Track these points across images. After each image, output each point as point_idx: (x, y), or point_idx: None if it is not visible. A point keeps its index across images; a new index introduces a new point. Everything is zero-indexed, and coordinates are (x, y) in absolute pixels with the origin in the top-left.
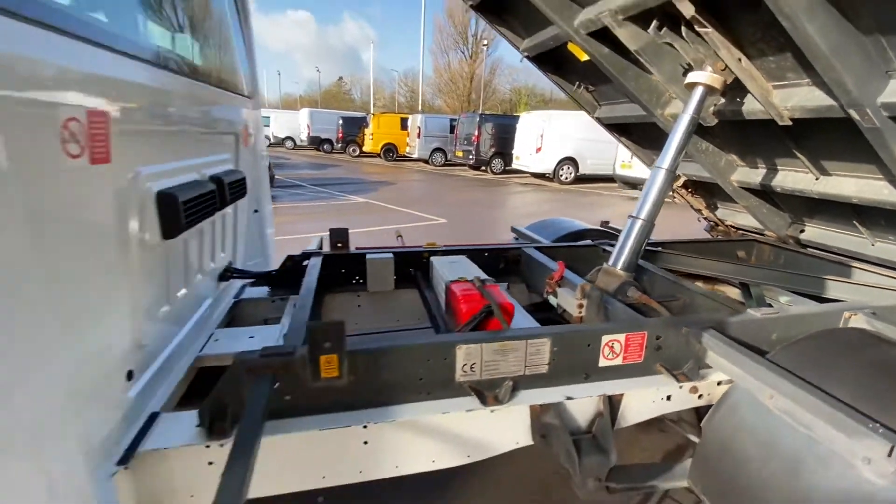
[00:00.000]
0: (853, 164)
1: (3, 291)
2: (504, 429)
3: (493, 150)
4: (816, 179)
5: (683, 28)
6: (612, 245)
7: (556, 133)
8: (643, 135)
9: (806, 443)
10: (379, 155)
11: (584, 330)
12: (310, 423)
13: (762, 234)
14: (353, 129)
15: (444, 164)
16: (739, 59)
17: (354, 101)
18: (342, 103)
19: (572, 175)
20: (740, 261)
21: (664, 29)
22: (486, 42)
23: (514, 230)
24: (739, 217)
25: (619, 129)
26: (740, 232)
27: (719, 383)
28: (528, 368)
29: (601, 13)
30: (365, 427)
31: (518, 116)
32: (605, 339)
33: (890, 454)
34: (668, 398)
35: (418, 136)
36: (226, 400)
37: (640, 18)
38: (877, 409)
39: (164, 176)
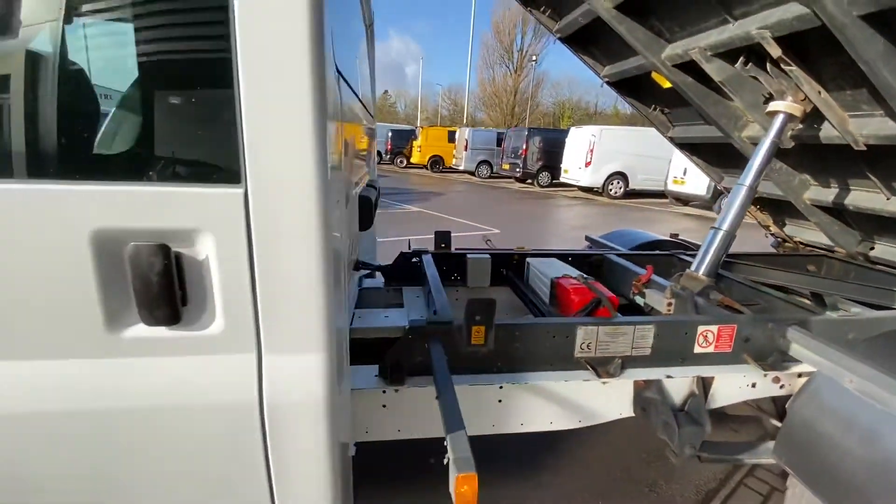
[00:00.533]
0: None
1: (339, 250)
2: (611, 400)
3: (540, 163)
4: (888, 199)
5: (768, 64)
6: (686, 255)
7: (606, 148)
8: (713, 154)
9: (882, 416)
10: (426, 166)
11: (683, 320)
12: (461, 379)
13: (831, 251)
14: (402, 141)
15: (489, 177)
16: (819, 92)
17: (399, 113)
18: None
19: (622, 190)
20: (811, 274)
21: (750, 64)
22: (534, 57)
23: (588, 239)
24: (808, 233)
25: (690, 147)
26: (808, 248)
27: (800, 375)
28: (634, 350)
29: (690, 49)
30: (501, 388)
31: (566, 130)
32: (700, 329)
33: None
34: (753, 385)
35: (465, 148)
36: (400, 358)
37: (727, 54)
38: None
39: (359, 184)
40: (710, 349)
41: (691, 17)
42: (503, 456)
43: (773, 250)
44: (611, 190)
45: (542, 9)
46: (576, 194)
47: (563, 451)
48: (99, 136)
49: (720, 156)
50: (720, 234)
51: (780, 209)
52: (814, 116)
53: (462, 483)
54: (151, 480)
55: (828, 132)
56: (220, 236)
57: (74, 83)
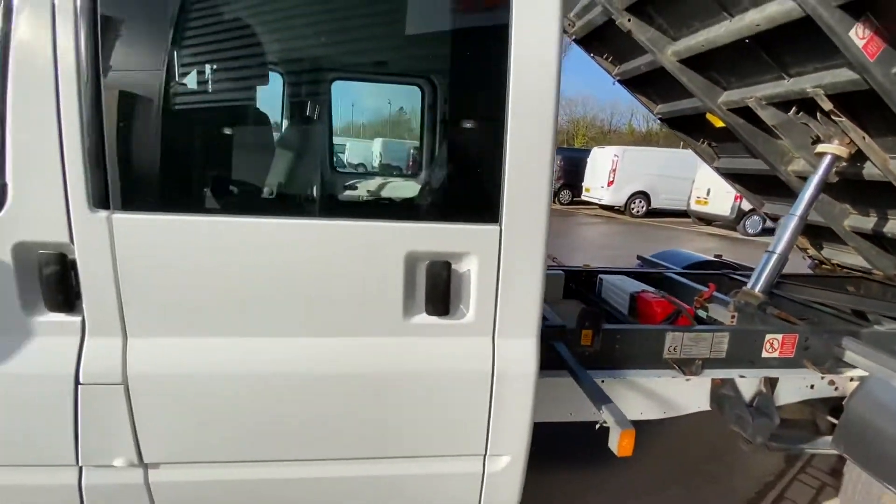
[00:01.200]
0: None
1: None
2: (692, 395)
3: (560, 181)
4: None
5: (818, 113)
6: (734, 274)
7: (628, 167)
8: (756, 183)
9: None
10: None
11: (753, 330)
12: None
13: (869, 273)
14: None
15: None
16: (864, 137)
17: None
18: None
19: (644, 209)
20: (852, 293)
21: (801, 112)
22: None
23: (640, 258)
24: (845, 257)
25: (734, 177)
26: (845, 269)
27: (851, 379)
28: (712, 353)
29: (746, 97)
30: (602, 381)
31: (586, 150)
32: (768, 337)
33: None
34: (812, 387)
35: None
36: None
37: (780, 104)
38: None
39: None
40: (776, 354)
41: (749, 71)
42: (581, 442)
43: (809, 271)
44: (633, 209)
45: (604, 55)
46: (597, 212)
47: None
48: (417, 192)
49: (763, 185)
50: (774, 257)
51: (817, 234)
52: (857, 157)
53: (623, 438)
54: (415, 420)
55: (870, 170)
56: (481, 257)
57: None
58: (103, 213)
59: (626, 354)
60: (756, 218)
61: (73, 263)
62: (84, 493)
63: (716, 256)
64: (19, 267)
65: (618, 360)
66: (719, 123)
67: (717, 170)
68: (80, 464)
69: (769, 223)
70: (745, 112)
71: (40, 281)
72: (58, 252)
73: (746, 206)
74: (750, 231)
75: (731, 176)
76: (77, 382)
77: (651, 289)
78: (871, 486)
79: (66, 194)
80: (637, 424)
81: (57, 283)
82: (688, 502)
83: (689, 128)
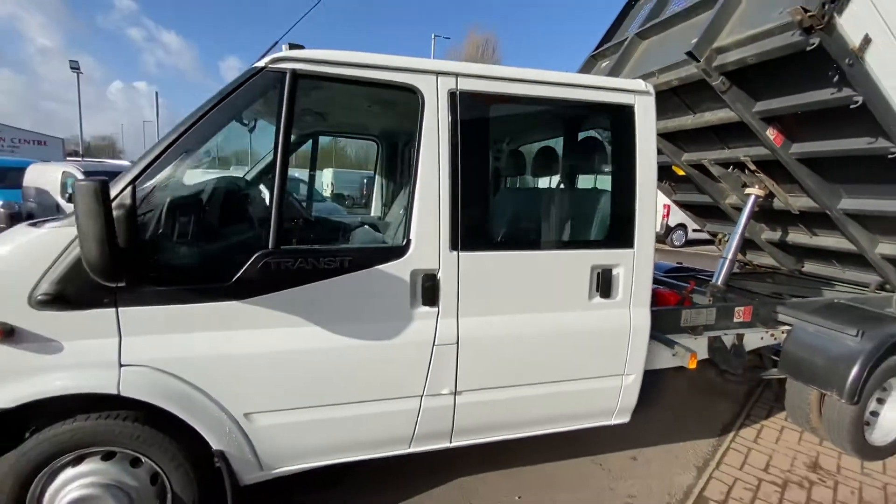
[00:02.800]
0: (829, 230)
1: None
2: (698, 349)
3: None
4: (811, 237)
5: (746, 170)
6: (699, 275)
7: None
8: (701, 211)
9: (826, 338)
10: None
11: (729, 306)
12: None
13: (779, 269)
14: None
15: None
16: (774, 184)
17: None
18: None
19: (683, 239)
20: (771, 282)
21: (735, 169)
22: None
23: None
24: (762, 259)
25: (686, 206)
26: (762, 267)
27: (783, 332)
28: (707, 321)
29: (701, 158)
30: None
31: None
32: (736, 309)
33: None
34: (762, 338)
35: None
36: None
37: (724, 163)
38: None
39: None
40: (741, 319)
41: (704, 143)
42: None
43: (737, 270)
44: (674, 239)
45: None
46: None
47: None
48: (599, 234)
49: (706, 212)
50: (727, 262)
51: (743, 244)
52: (769, 196)
53: (692, 358)
54: (590, 356)
55: (777, 204)
56: (625, 268)
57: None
58: (455, 253)
59: (662, 325)
60: (680, 233)
61: (438, 280)
62: (420, 413)
63: (678, 263)
64: (412, 282)
65: (661, 329)
66: (681, 172)
67: (675, 202)
68: (423, 394)
69: (691, 235)
70: (700, 166)
71: (422, 289)
72: (432, 274)
73: (672, 222)
74: (676, 243)
75: (684, 205)
76: (433, 344)
77: (657, 286)
78: (802, 389)
79: (439, 244)
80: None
81: (430, 290)
82: (687, 422)
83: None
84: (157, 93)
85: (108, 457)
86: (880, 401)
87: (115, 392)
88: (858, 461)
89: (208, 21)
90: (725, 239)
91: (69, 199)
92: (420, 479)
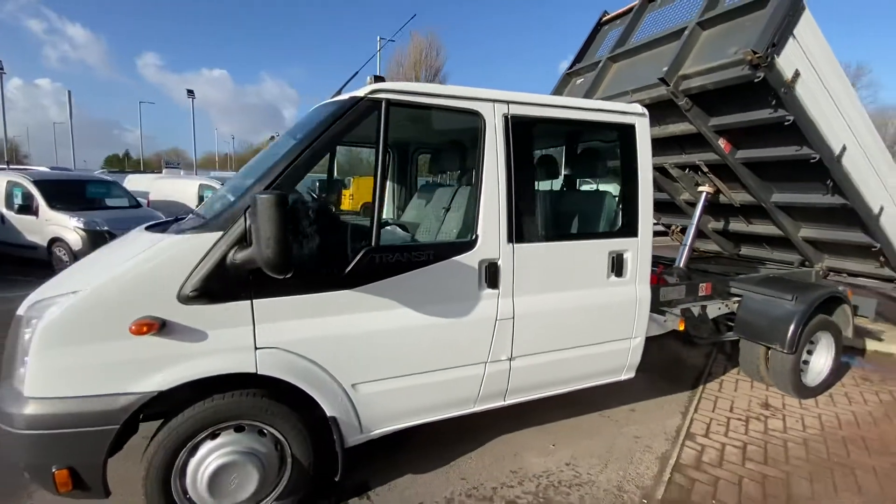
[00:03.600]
0: (763, 219)
1: None
2: (674, 319)
3: None
4: (747, 226)
5: (699, 171)
6: (662, 261)
7: None
8: (658, 205)
9: (770, 303)
10: (359, 213)
11: (694, 282)
12: None
13: (721, 253)
14: (337, 189)
15: None
16: (721, 182)
17: None
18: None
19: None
20: (718, 263)
21: (690, 171)
22: None
23: None
24: (708, 245)
25: None
26: (708, 253)
27: (734, 301)
28: (678, 297)
29: (665, 162)
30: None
31: None
32: (701, 285)
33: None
34: (720, 308)
35: None
36: None
37: (682, 166)
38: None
39: None
40: (705, 293)
41: (666, 149)
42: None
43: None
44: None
45: None
46: None
47: None
48: (616, 226)
49: (661, 207)
50: (686, 248)
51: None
52: (717, 193)
53: (680, 322)
54: (607, 324)
55: (723, 199)
56: (632, 253)
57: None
58: (511, 245)
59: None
60: None
61: (499, 267)
62: (484, 377)
63: None
64: (480, 269)
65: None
66: None
67: None
68: (487, 360)
69: None
70: (661, 168)
71: (487, 275)
72: (494, 262)
73: None
74: None
75: None
76: (496, 319)
77: None
78: (752, 346)
79: (499, 237)
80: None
81: (493, 275)
82: (664, 381)
83: None
84: (69, 92)
85: (238, 430)
86: (809, 351)
87: (253, 371)
88: (797, 400)
89: (117, 12)
90: (678, 230)
91: (19, 210)
92: (470, 438)
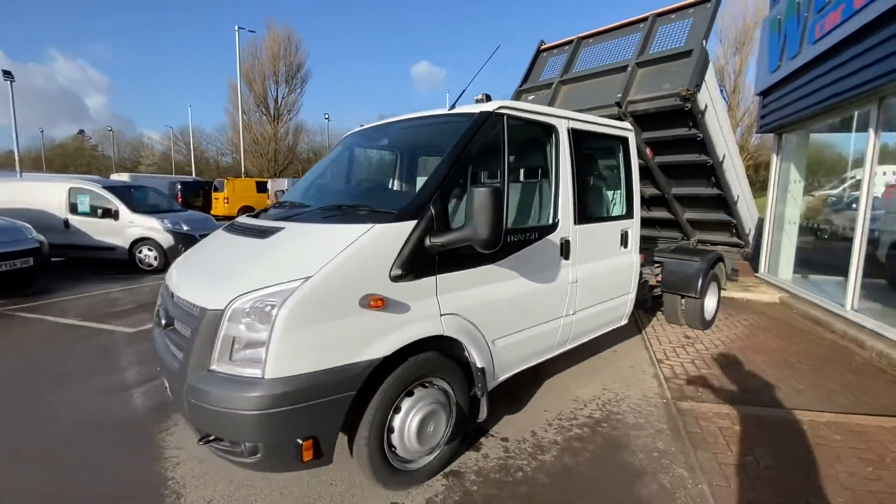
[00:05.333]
0: (659, 207)
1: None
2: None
3: None
4: (648, 212)
5: None
6: None
7: None
8: None
9: (683, 264)
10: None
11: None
12: None
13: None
14: (190, 193)
15: None
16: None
17: (108, 158)
18: (84, 162)
19: None
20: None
21: None
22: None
23: None
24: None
25: None
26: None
27: (657, 267)
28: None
29: None
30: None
31: None
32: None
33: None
34: (650, 272)
35: None
36: None
37: None
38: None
39: None
40: (642, 262)
41: None
42: None
43: None
44: None
45: None
46: None
47: None
48: (622, 211)
49: None
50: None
51: None
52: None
53: (655, 280)
54: (617, 283)
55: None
56: (632, 230)
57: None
58: (577, 226)
59: None
60: None
61: (570, 243)
62: (561, 328)
63: None
64: (560, 245)
65: None
66: None
67: None
68: (563, 315)
69: None
70: None
71: (564, 249)
72: (567, 239)
73: None
74: None
75: None
76: (569, 283)
77: None
78: (673, 297)
79: (570, 221)
80: None
81: (567, 250)
82: (619, 333)
83: None
84: None
85: (423, 386)
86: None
87: (442, 333)
88: (702, 331)
89: None
90: None
91: (91, 214)
92: (529, 386)
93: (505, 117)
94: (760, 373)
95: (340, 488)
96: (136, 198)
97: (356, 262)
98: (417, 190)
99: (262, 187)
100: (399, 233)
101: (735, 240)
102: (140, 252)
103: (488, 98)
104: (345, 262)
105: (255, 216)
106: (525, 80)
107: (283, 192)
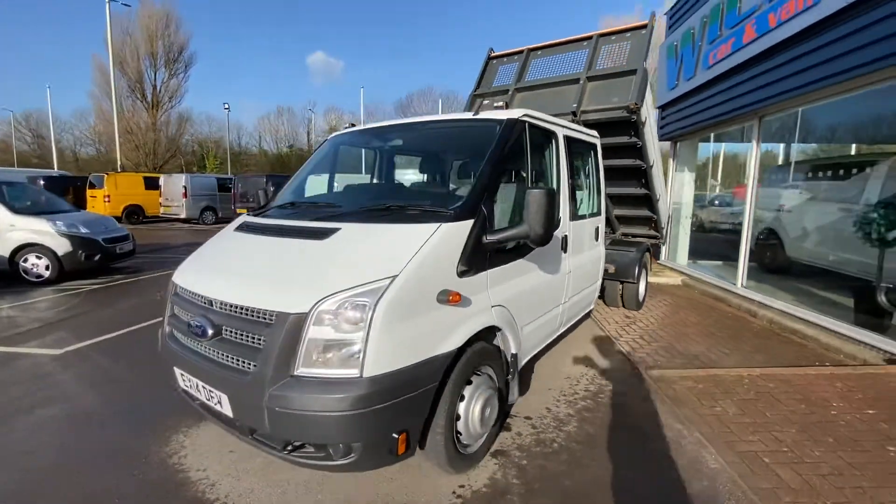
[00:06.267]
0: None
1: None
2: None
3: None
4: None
5: None
6: None
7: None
8: None
9: (622, 253)
10: (120, 218)
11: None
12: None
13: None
14: (57, 190)
15: (215, 223)
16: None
17: None
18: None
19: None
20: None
21: None
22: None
23: None
24: None
25: None
26: None
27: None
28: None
29: None
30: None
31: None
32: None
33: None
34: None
35: (184, 195)
36: None
37: None
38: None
39: None
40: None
41: None
42: None
43: None
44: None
45: None
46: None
47: None
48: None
49: None
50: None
51: None
52: None
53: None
54: (596, 270)
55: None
56: (600, 226)
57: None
58: (571, 222)
59: None
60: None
61: (567, 238)
62: (560, 314)
63: None
64: (562, 240)
65: None
66: None
67: None
68: (562, 302)
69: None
70: None
71: (563, 244)
72: (565, 235)
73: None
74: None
75: None
76: (566, 273)
77: None
78: (614, 284)
79: (567, 217)
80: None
81: (565, 244)
82: None
83: None
84: None
85: (475, 374)
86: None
87: (493, 324)
88: (637, 311)
89: None
90: None
91: None
92: (527, 367)
93: (526, 124)
94: (695, 342)
95: (402, 481)
96: (11, 195)
97: (433, 259)
98: (469, 190)
99: (152, 183)
100: (462, 231)
101: (653, 232)
102: (25, 261)
103: (506, 105)
104: (424, 259)
105: (260, 215)
106: (478, 85)
107: (264, 191)
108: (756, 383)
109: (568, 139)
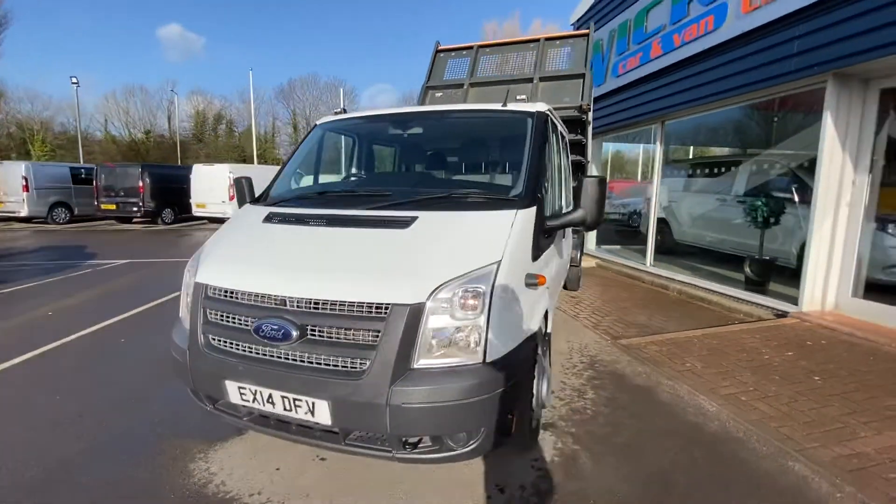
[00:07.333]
0: None
1: None
2: None
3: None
4: None
5: None
6: None
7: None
8: None
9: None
10: None
11: None
12: None
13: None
14: None
15: (71, 221)
16: None
17: None
18: None
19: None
20: None
21: None
22: None
23: None
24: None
25: None
26: None
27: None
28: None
29: None
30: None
31: (183, 167)
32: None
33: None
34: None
35: (25, 188)
36: None
37: None
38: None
39: None
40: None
41: None
42: None
43: None
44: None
45: None
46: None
47: None
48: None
49: None
50: None
51: None
52: None
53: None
54: (567, 259)
55: None
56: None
57: None
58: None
59: None
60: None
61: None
62: (557, 293)
63: None
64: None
65: None
66: None
67: None
68: (561, 284)
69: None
70: None
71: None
72: None
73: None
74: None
75: None
76: (564, 257)
77: None
78: (576, 270)
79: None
80: None
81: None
82: None
83: None
84: None
85: None
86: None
87: (548, 304)
88: (577, 291)
89: None
90: None
91: None
92: None
93: (548, 116)
94: (638, 313)
95: (479, 463)
96: None
97: (520, 244)
98: (523, 178)
99: None
100: (531, 217)
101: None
102: None
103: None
104: (517, 244)
105: (279, 206)
106: (429, 77)
107: (247, 178)
108: (704, 342)
109: (561, 132)
